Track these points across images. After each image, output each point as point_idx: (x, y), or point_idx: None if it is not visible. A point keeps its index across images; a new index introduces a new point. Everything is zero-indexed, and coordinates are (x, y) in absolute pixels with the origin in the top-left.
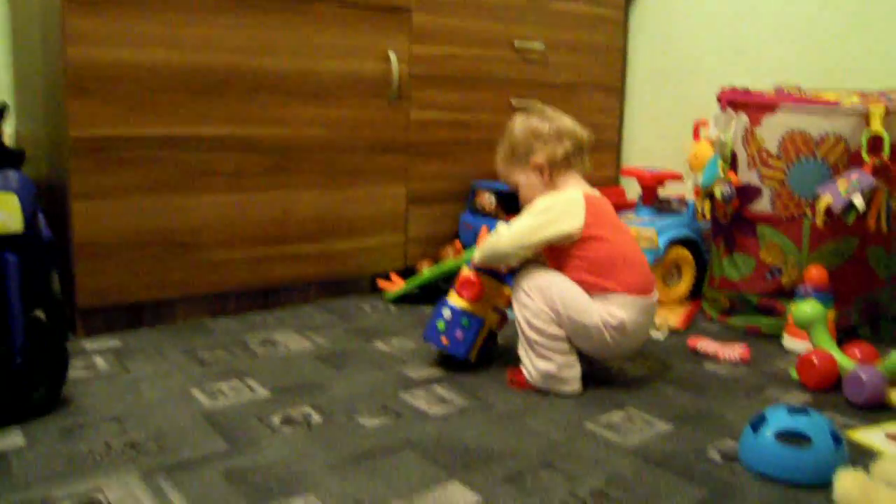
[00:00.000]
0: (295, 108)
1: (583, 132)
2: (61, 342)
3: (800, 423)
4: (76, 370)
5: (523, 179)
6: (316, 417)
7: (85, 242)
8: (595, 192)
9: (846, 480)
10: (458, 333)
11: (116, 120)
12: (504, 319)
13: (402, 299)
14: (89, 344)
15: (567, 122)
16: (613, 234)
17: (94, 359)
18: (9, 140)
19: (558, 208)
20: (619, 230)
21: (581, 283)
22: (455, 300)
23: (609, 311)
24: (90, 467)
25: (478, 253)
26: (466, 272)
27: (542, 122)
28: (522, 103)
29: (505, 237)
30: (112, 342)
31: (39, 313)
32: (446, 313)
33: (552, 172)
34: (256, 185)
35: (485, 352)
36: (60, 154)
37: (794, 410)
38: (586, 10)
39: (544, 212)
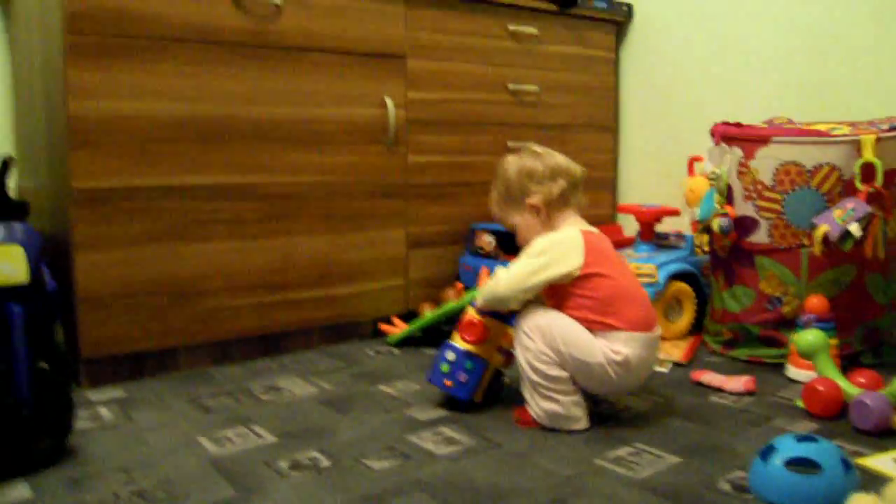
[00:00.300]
0: (293, 155)
1: (576, 168)
2: (66, 393)
3: (809, 450)
4: (81, 421)
5: (520, 221)
6: (324, 461)
7: (88, 293)
8: (593, 229)
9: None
10: (462, 376)
11: (118, 171)
12: (510, 359)
13: (405, 342)
14: (93, 395)
15: (560, 159)
16: (613, 270)
17: (98, 409)
18: (13, 193)
19: (556, 249)
20: (619, 266)
21: (583, 320)
22: (459, 342)
23: (612, 348)
24: None
25: (479, 297)
26: (470, 314)
27: (535, 162)
28: (518, 145)
29: (503, 281)
30: (116, 392)
31: (44, 364)
32: (450, 356)
33: (549, 212)
34: (257, 233)
35: (491, 392)
36: (63, 206)
37: (802, 438)
38: (578, 51)
39: (542, 253)
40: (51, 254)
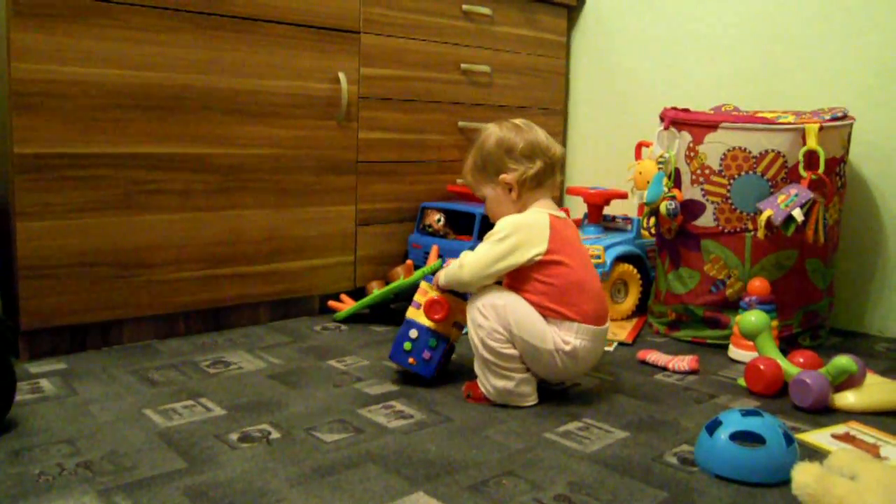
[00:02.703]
0: (244, 127)
1: (556, 148)
2: (7, 363)
3: (753, 424)
4: (22, 394)
5: (491, 193)
6: (275, 434)
7: (29, 263)
8: (561, 214)
9: (803, 473)
10: (426, 353)
11: (63, 137)
12: (460, 333)
13: (353, 318)
14: (34, 367)
15: (541, 136)
16: (574, 260)
17: (39, 382)
18: None
19: (521, 233)
20: (580, 256)
21: (538, 306)
22: (422, 320)
23: (563, 338)
24: (43, 489)
25: (443, 277)
26: (432, 293)
27: (515, 137)
28: (469, 126)
29: (467, 267)
30: (57, 365)
31: None
32: (413, 334)
33: (521, 191)
34: (205, 205)
35: (442, 367)
36: (3, 172)
37: (747, 413)
38: (530, 34)
39: (507, 238)
40: None
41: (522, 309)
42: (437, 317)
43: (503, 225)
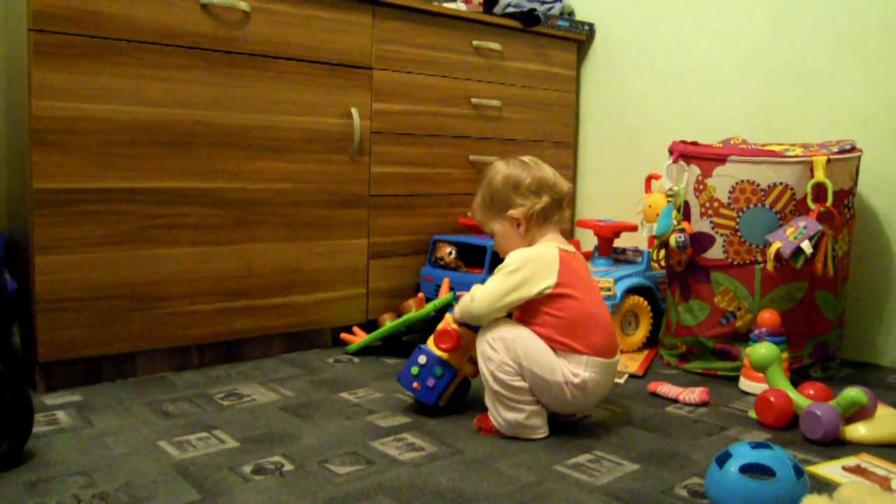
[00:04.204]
0: (258, 162)
1: (563, 183)
2: (24, 395)
3: (763, 457)
4: (38, 425)
5: (499, 229)
6: (288, 466)
7: (46, 296)
8: (570, 248)
9: None
10: (430, 381)
11: (80, 173)
12: (475, 368)
13: (365, 351)
14: (50, 399)
15: (548, 173)
16: (583, 293)
17: (55, 413)
18: None
19: (531, 267)
20: (590, 289)
21: (547, 339)
22: (433, 348)
23: (572, 370)
24: None
25: (457, 311)
26: (447, 322)
27: (522, 173)
28: (479, 159)
29: (478, 301)
30: (73, 397)
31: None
32: (421, 359)
33: (528, 226)
34: (219, 239)
35: (455, 398)
36: (23, 206)
37: (757, 445)
38: (540, 68)
39: (517, 272)
40: (8, 255)
41: (531, 342)
42: (443, 346)
43: (513, 258)
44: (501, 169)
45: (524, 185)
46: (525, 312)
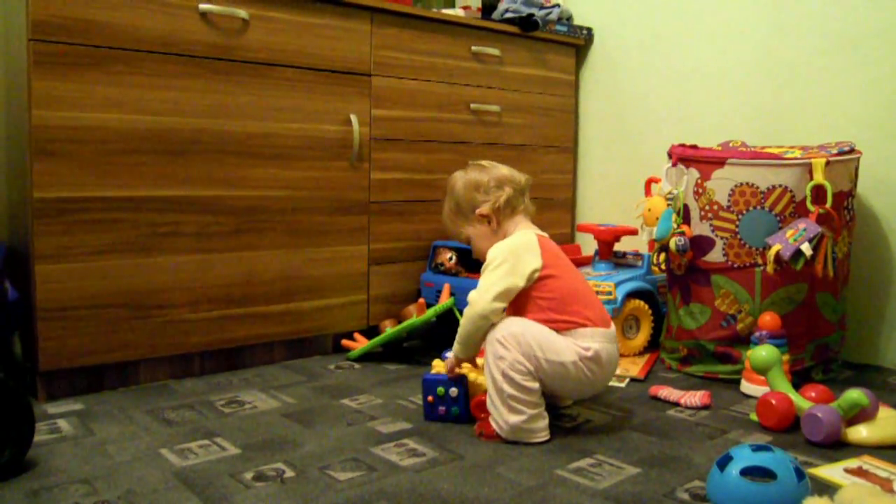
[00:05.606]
0: (258, 170)
1: (520, 176)
2: (26, 403)
3: (764, 459)
4: (40, 434)
5: (472, 231)
6: (289, 472)
7: (47, 305)
8: (544, 234)
9: None
10: (442, 408)
11: (81, 181)
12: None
13: (366, 357)
14: (51, 408)
15: (503, 170)
16: (566, 272)
17: (57, 422)
18: None
19: (514, 255)
20: (571, 268)
21: (548, 322)
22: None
23: (581, 345)
24: None
25: (456, 345)
26: (477, 399)
27: (480, 174)
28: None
29: (477, 301)
30: (74, 405)
31: (0, 374)
32: (453, 392)
33: (499, 220)
34: (220, 246)
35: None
36: (23, 215)
37: (758, 448)
38: (539, 73)
39: (503, 263)
40: (9, 264)
41: (539, 329)
42: (482, 415)
43: (494, 253)
44: (460, 177)
45: (484, 184)
46: (518, 306)
